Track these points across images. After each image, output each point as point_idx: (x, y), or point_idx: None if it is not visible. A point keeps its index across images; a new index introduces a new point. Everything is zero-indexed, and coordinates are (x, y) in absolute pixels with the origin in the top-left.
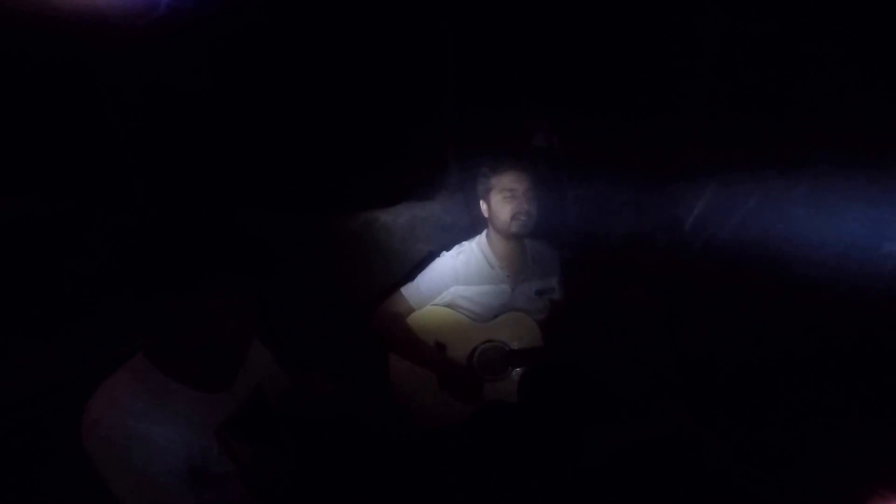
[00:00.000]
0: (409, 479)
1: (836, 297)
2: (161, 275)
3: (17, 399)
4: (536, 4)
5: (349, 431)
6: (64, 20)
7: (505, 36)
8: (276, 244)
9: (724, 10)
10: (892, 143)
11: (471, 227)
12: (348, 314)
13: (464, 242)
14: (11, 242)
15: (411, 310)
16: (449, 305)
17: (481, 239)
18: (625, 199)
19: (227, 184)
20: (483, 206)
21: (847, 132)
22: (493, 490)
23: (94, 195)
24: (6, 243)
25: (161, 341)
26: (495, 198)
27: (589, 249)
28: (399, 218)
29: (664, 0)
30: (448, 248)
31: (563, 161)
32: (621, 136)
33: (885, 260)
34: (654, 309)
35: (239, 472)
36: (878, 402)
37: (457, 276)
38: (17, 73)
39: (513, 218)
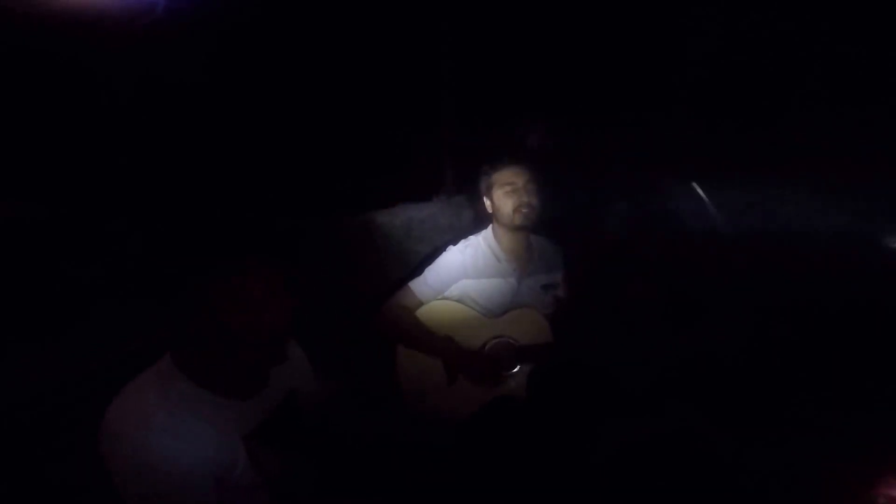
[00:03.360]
0: (417, 476)
1: (838, 291)
2: (181, 268)
3: (15, 401)
4: (532, 10)
5: (364, 434)
6: (61, 23)
7: (501, 39)
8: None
9: (717, 11)
10: (888, 139)
11: (467, 227)
12: (346, 315)
13: (470, 237)
14: (9, 245)
15: (419, 304)
16: (458, 300)
17: (487, 233)
18: (623, 195)
19: (225, 186)
20: (487, 202)
21: (842, 127)
22: (502, 486)
23: (91, 198)
24: (4, 246)
25: (191, 344)
26: (497, 193)
27: (591, 245)
28: (396, 219)
29: (657, 8)
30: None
31: (559, 160)
32: (617, 133)
33: (886, 257)
34: (659, 304)
35: (265, 482)
36: (883, 394)
37: (465, 270)
38: (14, 74)
39: (515, 210)
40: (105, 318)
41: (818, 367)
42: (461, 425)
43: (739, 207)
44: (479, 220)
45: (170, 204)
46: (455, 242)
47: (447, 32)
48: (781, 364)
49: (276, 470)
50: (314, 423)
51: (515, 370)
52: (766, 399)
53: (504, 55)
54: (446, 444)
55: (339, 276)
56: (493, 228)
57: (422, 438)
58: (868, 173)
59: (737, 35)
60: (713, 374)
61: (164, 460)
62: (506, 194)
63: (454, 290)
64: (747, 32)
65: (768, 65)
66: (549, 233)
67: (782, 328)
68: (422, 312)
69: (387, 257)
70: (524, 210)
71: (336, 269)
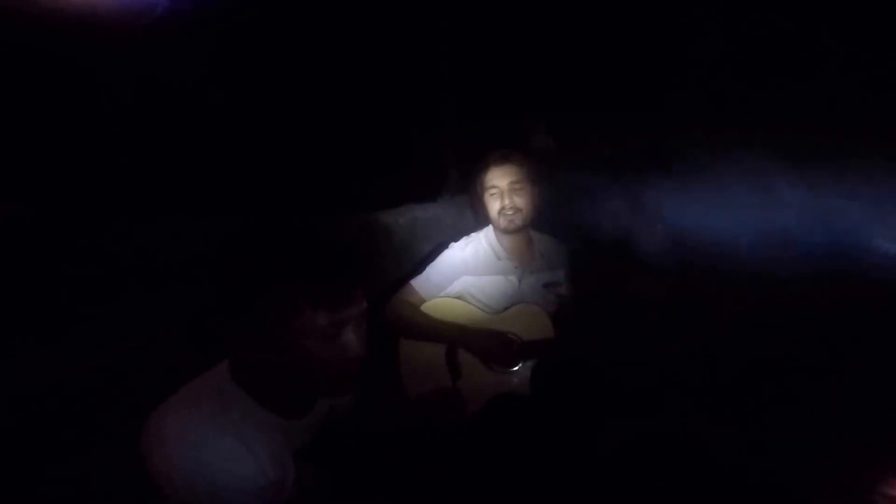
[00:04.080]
0: (420, 473)
1: (839, 291)
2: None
3: (15, 401)
4: (532, 9)
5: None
6: (60, 22)
7: (501, 40)
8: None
9: (719, 11)
10: (885, 140)
11: (471, 227)
12: None
13: (472, 234)
14: (9, 245)
15: (421, 301)
16: (459, 297)
17: (489, 231)
18: (622, 193)
19: (228, 187)
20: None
21: (840, 129)
22: (505, 483)
23: (91, 198)
24: (4, 246)
25: (260, 366)
26: (485, 196)
27: (593, 243)
28: (400, 219)
29: (658, 8)
30: (454, 242)
31: (560, 159)
32: (618, 132)
33: (886, 257)
34: (661, 302)
35: (301, 497)
36: (882, 394)
37: (466, 267)
38: (13, 74)
39: (499, 214)
40: (105, 318)
41: (819, 367)
42: (465, 423)
43: (741, 206)
44: (480, 220)
45: (171, 205)
46: (457, 239)
47: (447, 32)
48: (782, 363)
49: (311, 484)
50: (346, 433)
51: (518, 367)
52: (765, 398)
53: (504, 55)
54: (449, 442)
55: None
56: (493, 226)
57: (424, 438)
58: (868, 174)
59: (738, 35)
60: (714, 373)
61: (222, 484)
62: (491, 197)
63: (455, 287)
64: (748, 32)
65: (769, 65)
66: (552, 230)
67: (782, 327)
68: (424, 309)
69: (391, 257)
70: (508, 213)
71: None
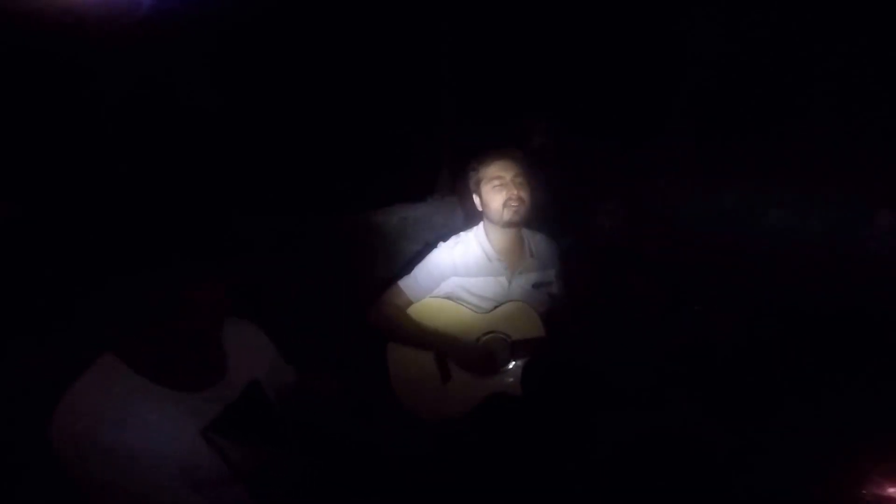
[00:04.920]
0: (414, 474)
1: (831, 296)
2: (128, 265)
3: (15, 400)
4: (531, 10)
5: (352, 430)
6: (42, 21)
7: (501, 40)
8: (267, 245)
9: (717, 11)
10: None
11: (461, 227)
12: (341, 313)
13: (461, 233)
14: (8, 246)
15: (409, 302)
16: (448, 297)
17: (479, 231)
18: (618, 192)
19: (216, 184)
20: (476, 200)
21: (835, 135)
22: (498, 484)
23: (73, 197)
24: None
25: (133, 338)
26: (486, 188)
27: (585, 241)
28: (391, 218)
29: (657, 9)
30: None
31: (558, 157)
32: (615, 132)
33: (885, 258)
34: (654, 300)
35: (237, 476)
36: (872, 395)
37: (455, 268)
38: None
39: (504, 205)
40: (105, 318)
41: (810, 368)
42: (458, 423)
43: (737, 205)
44: (469, 219)
45: (155, 205)
46: (445, 239)
47: (447, 32)
48: (773, 363)
49: (246, 463)
50: (289, 414)
51: (510, 366)
52: (757, 398)
53: (504, 55)
54: (444, 442)
55: (333, 275)
56: (484, 226)
57: (419, 441)
58: (865, 176)
59: (736, 39)
60: (706, 371)
61: (119, 454)
62: (494, 189)
63: (443, 288)
64: (747, 34)
65: (768, 65)
66: (543, 227)
67: (774, 328)
68: (413, 310)
69: (381, 257)
70: (513, 204)
71: (331, 268)
